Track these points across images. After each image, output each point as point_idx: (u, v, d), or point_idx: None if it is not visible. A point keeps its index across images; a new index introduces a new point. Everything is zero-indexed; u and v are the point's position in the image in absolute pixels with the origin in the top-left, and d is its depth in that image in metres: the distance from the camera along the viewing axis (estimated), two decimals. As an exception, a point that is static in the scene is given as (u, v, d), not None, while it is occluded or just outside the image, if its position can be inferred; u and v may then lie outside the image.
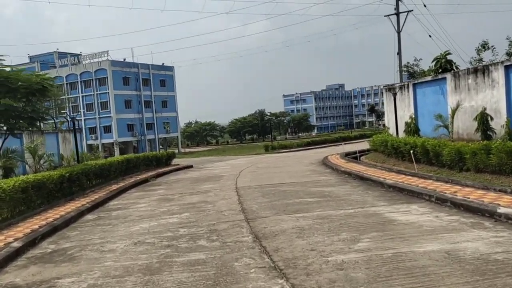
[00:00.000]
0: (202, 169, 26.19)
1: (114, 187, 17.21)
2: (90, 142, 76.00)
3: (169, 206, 12.38)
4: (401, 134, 22.74)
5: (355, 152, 30.66)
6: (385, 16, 30.78)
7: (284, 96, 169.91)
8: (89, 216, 11.80)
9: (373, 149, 25.84)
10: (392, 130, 25.01)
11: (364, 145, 39.74)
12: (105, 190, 16.19)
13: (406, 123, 22.16)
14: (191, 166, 28.59)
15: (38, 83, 15.37)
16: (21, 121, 15.99)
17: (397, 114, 23.91)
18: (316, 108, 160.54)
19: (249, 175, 19.59)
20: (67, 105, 76.06)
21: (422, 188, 10.89)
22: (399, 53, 29.74)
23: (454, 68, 20.76)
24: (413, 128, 20.75)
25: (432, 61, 21.17)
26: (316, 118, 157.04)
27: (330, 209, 10.03)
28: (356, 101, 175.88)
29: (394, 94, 20.30)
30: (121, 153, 71.31)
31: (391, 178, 13.41)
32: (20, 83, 15.25)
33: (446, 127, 18.13)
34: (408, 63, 28.12)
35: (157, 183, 19.46)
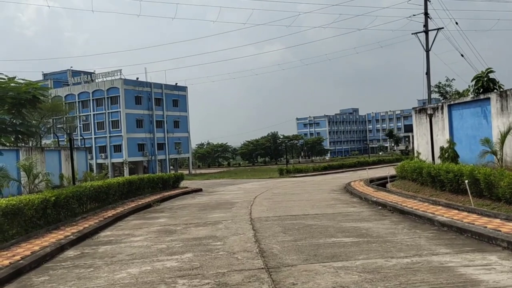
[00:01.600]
0: (212, 194, 23.91)
1: (110, 213, 14.97)
2: (100, 161, 74.63)
3: (169, 242, 10.07)
4: (436, 161, 20.30)
5: (379, 179, 28.21)
6: (412, 33, 28.73)
7: (297, 119, 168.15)
8: (70, 252, 9.55)
9: (400, 176, 23.35)
10: (424, 156, 22.56)
11: (385, 170, 37.22)
12: (99, 217, 13.96)
13: (442, 149, 19.74)
14: (200, 190, 26.32)
15: (27, 92, 13.36)
16: (4, 135, 13.91)
17: (429, 138, 21.50)
18: (329, 132, 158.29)
19: (265, 203, 17.24)
20: (78, 123, 75.23)
21: (493, 231, 8.45)
22: (427, 73, 27.49)
23: (497, 87, 18.40)
24: (451, 154, 18.32)
25: (472, 80, 18.87)
26: (330, 142, 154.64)
27: (376, 255, 7.64)
28: (370, 126, 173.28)
29: (430, 116, 17.98)
30: (131, 173, 69.53)
31: (441, 213, 10.97)
32: (9, 93, 13.32)
33: (494, 153, 15.70)
34: (439, 83, 25.91)
35: (161, 209, 17.20)
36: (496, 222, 9.28)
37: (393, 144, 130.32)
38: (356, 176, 35.87)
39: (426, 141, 23.16)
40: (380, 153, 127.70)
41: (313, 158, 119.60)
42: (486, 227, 8.82)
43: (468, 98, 19.37)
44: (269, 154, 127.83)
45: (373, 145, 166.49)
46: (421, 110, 23.59)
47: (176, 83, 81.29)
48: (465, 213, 10.81)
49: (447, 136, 20.67)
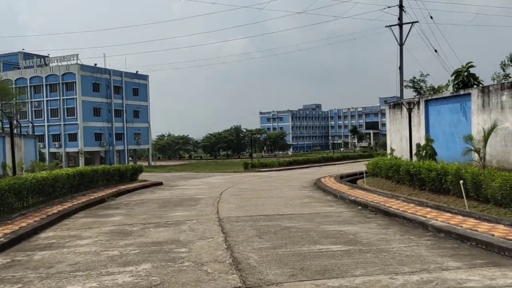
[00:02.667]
0: (173, 188, 22.17)
1: (56, 209, 13.05)
2: (53, 150, 70.80)
3: (123, 247, 8.42)
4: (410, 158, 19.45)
5: (349, 175, 27.34)
6: (386, 26, 27.92)
7: (260, 113, 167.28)
8: (-3, 260, 7.73)
9: (372, 173, 22.46)
10: (399, 153, 21.72)
11: (351, 167, 36.58)
12: (41, 214, 12.04)
13: (418, 146, 18.88)
14: (160, 183, 24.50)
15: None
16: None
17: (404, 134, 20.66)
18: (292, 127, 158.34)
19: (233, 200, 15.75)
20: (29, 109, 70.86)
21: (504, 240, 7.33)
22: (400, 68, 26.74)
23: (477, 83, 17.67)
24: (428, 152, 17.45)
25: (452, 74, 18.08)
26: (292, 137, 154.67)
27: (376, 270, 6.33)
28: (332, 122, 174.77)
29: (409, 111, 16.99)
30: (87, 163, 66.13)
31: (433, 216, 9.85)
32: None
33: (477, 151, 14.85)
34: (414, 77, 25.14)
35: (116, 204, 15.37)
36: (502, 229, 8.19)
37: (355, 141, 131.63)
38: (323, 172, 34.96)
39: (400, 138, 22.36)
40: (342, 149, 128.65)
41: (276, 152, 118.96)
42: (493, 235, 7.70)
43: (447, 94, 18.58)
44: (232, 148, 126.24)
45: (335, 141, 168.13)
46: (395, 105, 22.74)
47: (137, 71, 78.18)
48: (460, 217, 9.72)
49: (423, 133, 19.87)
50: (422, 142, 19.02)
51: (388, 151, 23.15)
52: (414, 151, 19.33)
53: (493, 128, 14.36)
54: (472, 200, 12.10)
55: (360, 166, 40.63)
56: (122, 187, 20.73)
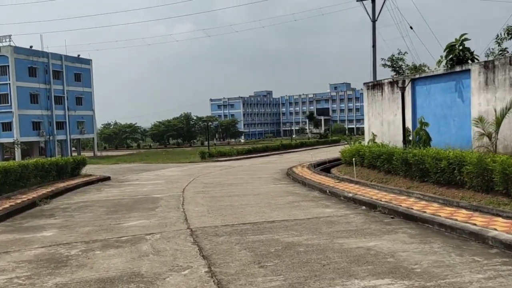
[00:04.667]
0: (124, 184, 18.82)
1: (-36, 222, 9.59)
2: (-16, 140, 64.11)
3: (52, 293, 5.36)
4: (396, 144, 17.26)
5: (319, 164, 25.04)
6: (357, 1, 25.64)
7: (211, 100, 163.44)
8: None
9: (348, 162, 20.21)
10: (380, 139, 19.53)
11: (316, 154, 34.41)
12: None
13: (407, 130, 16.68)
14: (108, 178, 21.02)
15: None
16: None
17: (385, 118, 18.48)
18: (244, 114, 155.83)
19: (201, 200, 12.78)
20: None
21: None
22: (373, 46, 24.63)
23: (473, 59, 15.65)
24: (423, 137, 15.25)
25: (445, 49, 15.94)
26: (244, 124, 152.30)
27: None
28: (284, 109, 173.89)
29: (402, 89, 14.64)
30: (24, 155, 60.31)
31: (483, 224, 7.45)
32: None
33: (489, 136, 12.79)
34: (393, 55, 23.04)
35: (50, 210, 11.98)
36: None
37: (311, 127, 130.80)
38: (286, 160, 32.64)
39: (381, 122, 20.20)
40: (294, 136, 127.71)
41: (228, 140, 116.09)
42: None
43: (440, 71, 16.47)
44: (182, 136, 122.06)
45: (286, 128, 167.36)
46: (375, 86, 20.50)
47: (79, 55, 72.30)
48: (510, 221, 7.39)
49: (409, 116, 17.73)
50: (410, 126, 16.89)
51: (368, 136, 20.94)
52: (395, 137, 17.17)
53: (510, 108, 12.26)
54: (498, 196, 9.91)
55: (323, 154, 38.60)
56: (61, 184, 17.17)
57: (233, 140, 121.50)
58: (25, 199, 13.03)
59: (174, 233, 8.39)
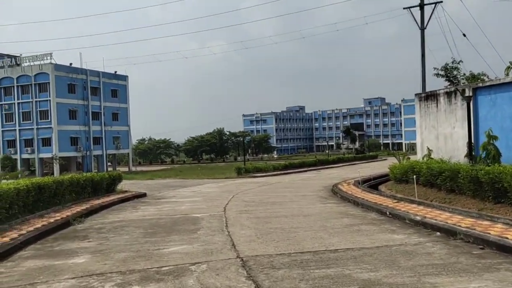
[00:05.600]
0: (161, 201, 17.85)
1: (-10, 245, 8.72)
2: (25, 156, 65.54)
3: None
4: (454, 160, 15.62)
5: (365, 181, 23.41)
6: (404, 8, 24.27)
7: (244, 115, 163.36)
8: None
9: (399, 179, 18.66)
10: (436, 154, 17.90)
11: (354, 170, 32.40)
12: (-39, 256, 7.72)
13: (470, 145, 15.04)
14: (144, 195, 20.18)
15: None
16: None
17: (441, 131, 16.89)
18: (276, 130, 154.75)
19: (246, 221, 11.58)
20: (-2, 111, 65.40)
21: None
22: (423, 55, 23.04)
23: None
24: (492, 152, 13.60)
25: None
26: (276, 139, 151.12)
27: None
28: (317, 124, 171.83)
29: (468, 99, 13.10)
30: (62, 170, 61.04)
31: None
32: None
33: None
34: (446, 64, 21.41)
35: (84, 231, 11.05)
36: None
37: (348, 142, 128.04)
38: (326, 176, 31.14)
39: (436, 136, 18.56)
40: (327, 152, 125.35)
41: (261, 155, 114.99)
42: None
43: (509, 79, 14.84)
44: (215, 151, 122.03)
45: (319, 143, 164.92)
46: (428, 96, 18.92)
47: (116, 72, 73.22)
48: None
49: (472, 129, 16.04)
50: (471, 140, 15.21)
51: (421, 152, 19.31)
52: (451, 152, 15.56)
53: None
54: None
55: (364, 170, 36.85)
56: (96, 201, 16.37)
57: (265, 155, 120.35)
58: (58, 218, 12.19)
59: (222, 263, 7.19)
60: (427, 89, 22.58)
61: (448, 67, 21.09)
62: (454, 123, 17.15)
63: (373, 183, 24.54)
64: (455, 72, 20.96)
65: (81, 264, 7.61)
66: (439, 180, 14.37)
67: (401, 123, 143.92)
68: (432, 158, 17.44)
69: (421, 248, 7.80)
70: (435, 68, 21.57)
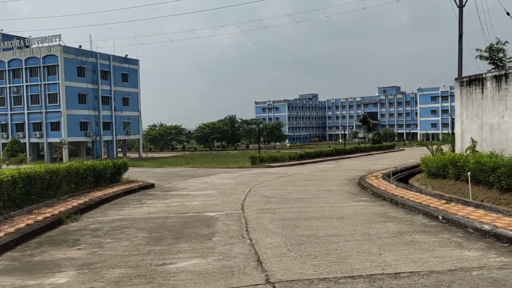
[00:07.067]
0: (170, 194, 16.01)
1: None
2: (34, 140, 64.45)
3: None
4: (503, 154, 13.52)
5: (394, 173, 21.35)
6: (441, -16, 21.91)
7: (256, 103, 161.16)
8: None
9: (435, 173, 16.63)
10: (479, 147, 15.79)
11: (374, 161, 30.50)
12: None
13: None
14: (152, 186, 18.38)
15: None
16: None
17: (486, 121, 14.78)
18: (288, 118, 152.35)
19: (269, 223, 9.66)
20: (7, 95, 64.22)
21: None
22: (460, 36, 20.76)
23: None
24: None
25: None
26: (289, 128, 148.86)
27: None
28: (330, 113, 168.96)
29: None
30: (71, 155, 59.90)
31: None
32: None
33: None
34: (491, 44, 19.12)
35: (76, 232, 9.24)
36: None
37: (359, 131, 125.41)
38: (345, 168, 29.15)
39: (480, 126, 16.42)
40: (341, 141, 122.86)
41: (274, 144, 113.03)
42: None
43: None
44: (226, 138, 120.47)
45: (332, 132, 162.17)
46: (471, 81, 16.71)
47: (126, 55, 71.44)
48: None
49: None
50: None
51: (461, 143, 17.17)
52: (501, 144, 13.43)
53: None
54: None
55: (384, 161, 34.72)
56: (97, 194, 14.59)
57: (278, 143, 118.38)
58: (48, 215, 10.40)
59: (249, 293, 5.30)
60: (463, 74, 20.34)
61: (493, 48, 18.85)
62: (503, 112, 14.99)
63: (401, 176, 22.55)
64: (500, 55, 18.73)
65: (61, 286, 5.78)
66: (491, 178, 12.31)
67: (416, 113, 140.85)
68: (476, 151, 15.34)
69: (501, 272, 5.83)
70: (477, 50, 19.35)
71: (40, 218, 10.03)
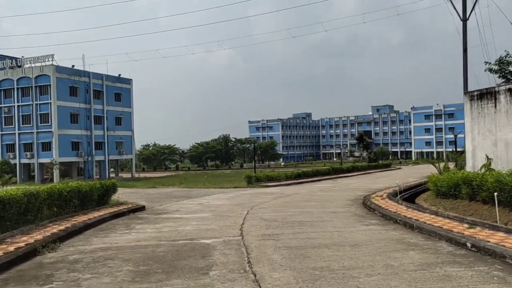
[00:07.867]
0: (161, 218, 14.72)
1: None
2: (24, 161, 62.82)
3: None
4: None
5: (400, 192, 20.26)
6: (444, -4, 21.28)
7: (249, 122, 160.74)
8: None
9: (444, 192, 15.57)
10: (494, 164, 14.76)
11: (374, 180, 29.53)
12: None
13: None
14: (142, 208, 17.12)
15: None
16: None
17: (501, 137, 13.79)
18: (282, 136, 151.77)
19: (274, 253, 8.43)
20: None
21: None
22: (465, 50, 19.99)
23: None
24: None
25: None
26: (283, 146, 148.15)
27: None
28: (323, 131, 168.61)
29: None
30: (63, 175, 58.41)
31: None
32: None
33: None
34: (501, 57, 18.30)
35: (51, 266, 7.96)
36: None
37: (355, 150, 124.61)
38: (345, 186, 28.04)
39: (493, 142, 15.42)
40: (335, 160, 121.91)
41: (269, 163, 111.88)
42: None
43: None
44: (220, 158, 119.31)
45: (326, 151, 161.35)
46: (482, 95, 15.78)
47: (120, 74, 70.57)
48: None
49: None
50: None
51: (472, 161, 16.15)
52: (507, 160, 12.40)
53: None
54: None
55: (383, 179, 33.75)
56: (82, 218, 13.31)
57: (272, 162, 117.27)
58: (22, 245, 9.12)
59: None
60: (471, 87, 19.47)
61: (504, 61, 18.02)
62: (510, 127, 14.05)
63: (405, 196, 21.48)
64: (511, 68, 17.88)
65: None
66: (509, 197, 11.23)
67: (410, 131, 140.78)
68: (492, 169, 14.29)
69: None
70: (487, 63, 18.48)
71: (11, 248, 8.76)
